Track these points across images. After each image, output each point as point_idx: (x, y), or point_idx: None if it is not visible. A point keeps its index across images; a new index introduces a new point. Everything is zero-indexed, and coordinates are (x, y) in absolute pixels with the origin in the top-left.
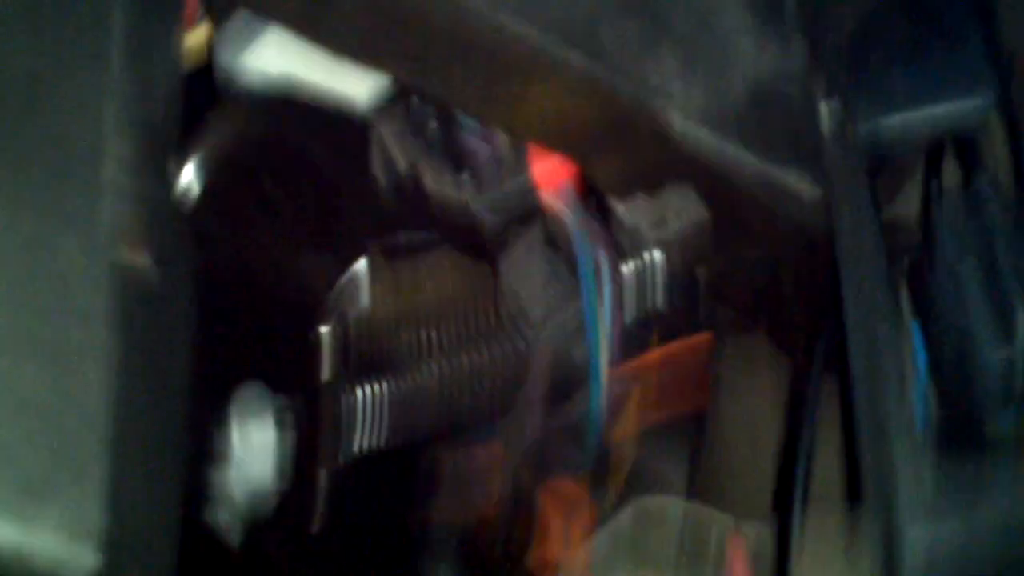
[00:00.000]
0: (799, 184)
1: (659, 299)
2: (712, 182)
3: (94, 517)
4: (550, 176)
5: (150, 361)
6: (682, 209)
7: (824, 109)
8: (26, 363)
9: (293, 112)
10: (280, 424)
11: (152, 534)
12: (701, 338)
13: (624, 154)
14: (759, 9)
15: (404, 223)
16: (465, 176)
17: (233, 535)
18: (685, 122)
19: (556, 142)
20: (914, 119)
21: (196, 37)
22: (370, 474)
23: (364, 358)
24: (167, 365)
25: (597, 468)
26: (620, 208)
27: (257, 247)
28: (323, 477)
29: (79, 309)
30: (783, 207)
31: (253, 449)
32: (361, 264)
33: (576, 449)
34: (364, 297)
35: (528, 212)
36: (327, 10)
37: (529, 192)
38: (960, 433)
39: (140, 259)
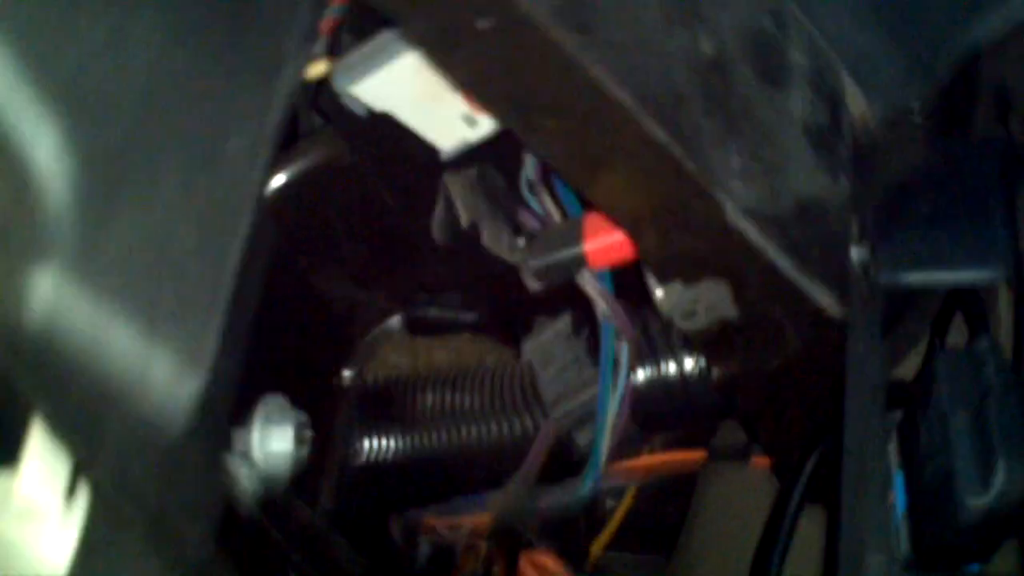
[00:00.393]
0: (825, 299)
1: (668, 406)
2: (748, 279)
3: (209, 347)
4: (600, 254)
5: (260, 265)
6: (713, 305)
7: (853, 252)
8: (183, 216)
9: (382, 152)
10: (299, 439)
11: (233, 377)
12: (695, 454)
13: (676, 234)
14: (816, 141)
15: (454, 277)
16: (520, 241)
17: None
18: (737, 215)
19: (622, 211)
20: (931, 279)
21: (316, 69)
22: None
23: (377, 412)
24: (259, 281)
25: (579, 546)
26: (658, 292)
27: (312, 270)
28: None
29: (234, 198)
30: (805, 318)
31: (271, 455)
32: (395, 322)
33: (561, 528)
34: (388, 356)
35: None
36: (463, 38)
37: (576, 266)
38: None
39: None
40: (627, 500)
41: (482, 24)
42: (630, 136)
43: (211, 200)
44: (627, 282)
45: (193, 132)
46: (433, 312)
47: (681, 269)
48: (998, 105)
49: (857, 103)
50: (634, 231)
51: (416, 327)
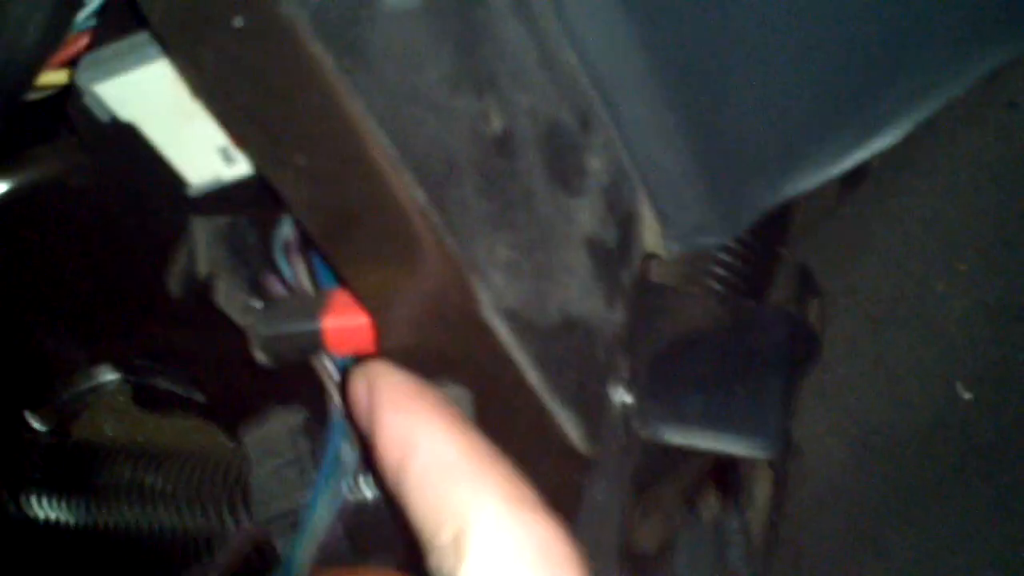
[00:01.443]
0: (573, 430)
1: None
2: (494, 389)
3: None
4: (340, 335)
5: None
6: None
7: (617, 394)
8: None
9: (126, 178)
10: None
11: None
12: None
13: (423, 324)
14: (598, 261)
15: (185, 345)
16: (257, 304)
17: None
18: (492, 312)
19: (367, 284)
20: (694, 442)
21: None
22: None
23: (63, 472)
24: None
25: None
26: None
27: (17, 302)
28: None
29: None
30: (549, 446)
31: None
32: (108, 381)
33: None
34: (103, 423)
35: (300, 365)
36: (212, 35)
37: (312, 345)
38: None
39: None
40: None
41: (236, 22)
42: (386, 189)
43: None
44: None
45: None
46: (162, 383)
47: (422, 365)
48: (797, 289)
49: (651, 235)
50: (378, 315)
51: (142, 399)
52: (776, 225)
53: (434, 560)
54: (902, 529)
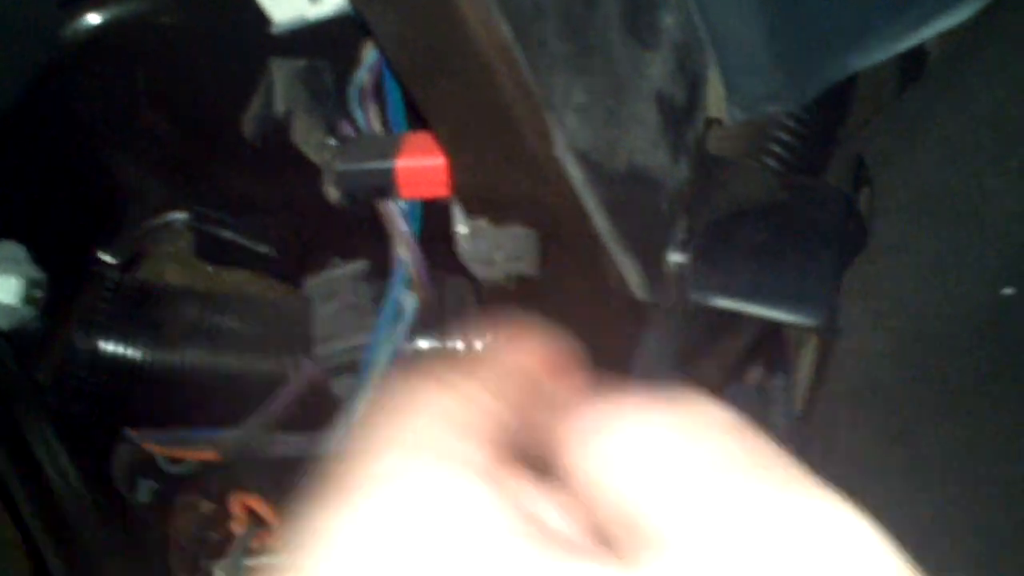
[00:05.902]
0: (633, 276)
1: None
2: (560, 231)
3: None
4: (412, 175)
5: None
6: (515, 255)
7: (674, 255)
8: None
9: (210, 16)
10: (27, 297)
11: None
12: None
13: (497, 160)
14: (666, 116)
15: (254, 191)
16: (332, 142)
17: None
18: (566, 151)
19: (447, 120)
20: (741, 308)
21: None
22: None
23: (130, 311)
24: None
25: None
26: (461, 228)
27: (99, 134)
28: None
29: None
30: (611, 289)
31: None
32: (177, 222)
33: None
34: (165, 270)
35: (370, 202)
36: None
37: (385, 183)
38: None
39: None
40: None
41: None
42: (474, 24)
43: None
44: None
45: None
46: (226, 235)
47: (492, 205)
48: (852, 175)
49: (715, 100)
50: (453, 150)
51: (204, 249)
52: (836, 109)
53: None
54: (934, 421)
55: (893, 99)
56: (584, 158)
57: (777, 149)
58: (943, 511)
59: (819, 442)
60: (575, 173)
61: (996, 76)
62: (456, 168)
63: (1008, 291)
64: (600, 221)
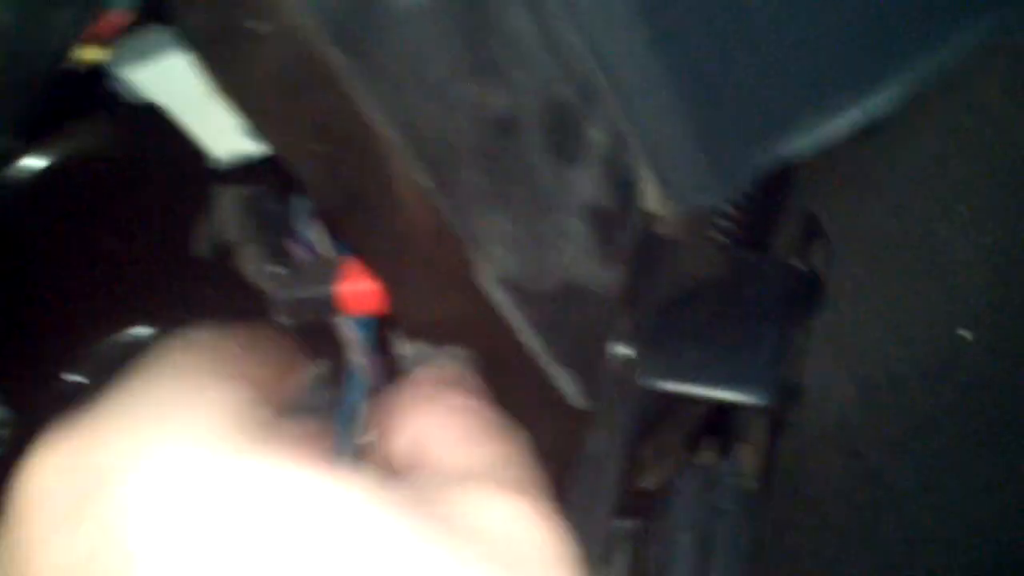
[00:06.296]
0: (570, 387)
1: None
2: (494, 353)
3: None
4: (353, 299)
5: None
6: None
7: (618, 348)
8: None
9: (153, 148)
10: None
11: None
12: None
13: (429, 296)
14: (597, 227)
15: (215, 300)
16: (277, 269)
17: None
18: (493, 283)
19: (376, 259)
20: (689, 390)
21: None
22: None
23: None
24: None
25: None
26: (406, 351)
27: (56, 262)
28: None
29: None
30: (551, 401)
31: None
32: (143, 335)
33: None
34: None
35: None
36: (235, 40)
37: (327, 308)
38: None
39: None
40: None
41: (261, 28)
42: (391, 174)
43: None
44: None
45: None
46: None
47: (430, 332)
48: (802, 234)
49: (652, 196)
50: (383, 281)
51: None
52: (780, 174)
53: None
54: (902, 460)
55: (844, 154)
56: (512, 285)
57: (723, 223)
58: (913, 546)
59: (792, 481)
60: (504, 300)
61: (938, 124)
62: (390, 296)
63: (964, 333)
64: (533, 341)
